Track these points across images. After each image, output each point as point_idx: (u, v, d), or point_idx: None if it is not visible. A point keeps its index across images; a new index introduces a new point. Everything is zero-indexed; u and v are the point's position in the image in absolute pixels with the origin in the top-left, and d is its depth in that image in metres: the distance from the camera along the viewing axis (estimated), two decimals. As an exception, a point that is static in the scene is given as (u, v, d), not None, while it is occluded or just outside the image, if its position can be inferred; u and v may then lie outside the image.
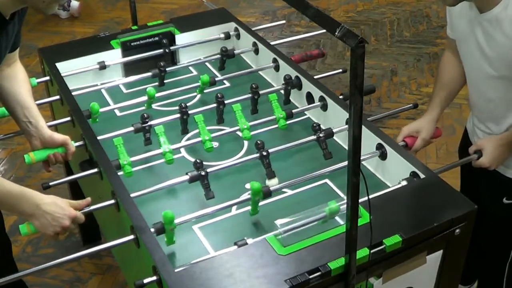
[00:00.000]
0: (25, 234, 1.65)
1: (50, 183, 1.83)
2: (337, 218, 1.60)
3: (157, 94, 2.22)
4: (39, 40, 4.54)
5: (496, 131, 1.92)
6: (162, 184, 1.83)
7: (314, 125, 2.00)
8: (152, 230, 1.60)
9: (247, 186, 1.91)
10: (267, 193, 1.73)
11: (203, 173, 1.81)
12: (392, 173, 1.87)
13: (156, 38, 2.53)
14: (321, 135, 1.97)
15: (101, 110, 2.14)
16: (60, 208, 1.63)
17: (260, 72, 2.49)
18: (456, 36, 1.95)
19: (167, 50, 2.51)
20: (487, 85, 1.86)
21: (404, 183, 1.77)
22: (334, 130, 2.02)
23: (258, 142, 1.90)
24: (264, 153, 1.88)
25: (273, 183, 1.85)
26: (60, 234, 1.66)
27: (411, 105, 2.29)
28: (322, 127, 2.00)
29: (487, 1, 1.72)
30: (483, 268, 2.25)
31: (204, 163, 1.97)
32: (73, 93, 2.21)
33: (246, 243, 1.56)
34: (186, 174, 1.81)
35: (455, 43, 1.98)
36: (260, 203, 1.80)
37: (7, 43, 1.71)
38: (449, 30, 2.01)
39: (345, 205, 1.54)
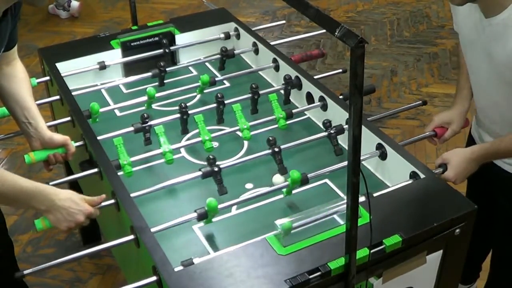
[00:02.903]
0: (41, 229, 1.66)
1: (50, 183, 1.83)
2: (337, 218, 1.60)
3: (157, 94, 2.22)
4: (39, 40, 4.55)
5: (501, 135, 1.91)
6: (162, 184, 1.83)
7: (325, 121, 2.02)
8: (195, 215, 1.65)
9: (247, 186, 1.91)
10: (305, 180, 1.77)
11: (216, 169, 1.83)
12: (392, 173, 1.87)
13: (156, 38, 2.53)
14: (332, 131, 1.99)
15: (101, 110, 2.14)
16: (75, 203, 1.64)
17: (260, 72, 2.49)
18: (460, 39, 1.93)
19: (167, 50, 2.51)
20: (494, 89, 1.84)
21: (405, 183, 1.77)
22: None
23: (270, 138, 1.92)
24: (276, 149, 1.90)
25: (279, 181, 1.86)
26: (73, 229, 1.66)
27: (420, 102, 2.27)
28: (333, 123, 2.02)
29: (493, 6, 1.68)
30: (496, 265, 2.25)
31: (204, 163, 1.98)
32: (73, 93, 2.21)
33: (193, 263, 1.53)
34: (199, 170, 1.82)
35: None
36: (260, 203, 1.81)
37: (1, 41, 1.71)
38: (455, 26, 2.00)
39: (338, 207, 1.56)
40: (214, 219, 1.77)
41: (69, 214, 1.62)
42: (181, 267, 1.50)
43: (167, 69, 2.41)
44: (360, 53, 1.13)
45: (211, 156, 1.84)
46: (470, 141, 2.11)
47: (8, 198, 1.61)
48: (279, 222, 1.55)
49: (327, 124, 2.02)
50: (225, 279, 1.46)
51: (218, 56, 2.54)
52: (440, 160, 1.88)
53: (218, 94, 2.15)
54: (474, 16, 1.78)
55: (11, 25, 1.73)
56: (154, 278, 1.50)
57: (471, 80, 1.97)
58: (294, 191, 1.87)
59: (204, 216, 1.67)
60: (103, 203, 1.75)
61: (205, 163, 1.85)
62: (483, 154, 1.84)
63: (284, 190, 1.80)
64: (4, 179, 1.59)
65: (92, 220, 1.70)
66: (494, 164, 1.95)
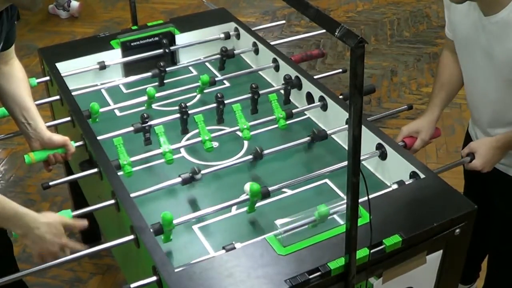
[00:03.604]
0: (17, 237, 1.64)
1: (50, 183, 1.83)
2: (337, 218, 1.60)
3: (157, 94, 2.22)
4: (39, 40, 4.55)
5: (497, 133, 1.91)
6: (162, 184, 1.83)
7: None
8: (151, 230, 1.60)
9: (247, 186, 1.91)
10: (266, 194, 1.73)
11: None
12: (392, 173, 1.87)
13: (156, 38, 2.53)
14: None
15: (101, 110, 2.14)
16: (52, 234, 1.61)
17: (260, 72, 2.49)
18: (456, 38, 1.93)
19: (167, 50, 2.51)
20: (491, 88, 1.84)
21: (395, 186, 1.77)
22: (334, 130, 2.03)
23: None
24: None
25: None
26: (47, 259, 1.63)
27: (405, 106, 2.27)
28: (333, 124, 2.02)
29: (493, 4, 1.69)
30: (492, 266, 2.25)
31: (204, 163, 1.98)
32: (73, 93, 2.21)
33: (234, 247, 1.56)
34: (179, 176, 1.80)
35: (453, 44, 1.97)
36: (260, 203, 1.80)
37: None
38: (448, 31, 2.00)
39: (339, 207, 1.56)
40: (214, 219, 1.78)
41: (43, 242, 1.59)
42: (181, 268, 1.50)
43: (167, 69, 2.41)
44: (360, 53, 1.13)
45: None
46: (468, 140, 2.11)
47: None
48: (279, 222, 1.55)
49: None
50: (225, 279, 1.46)
51: (218, 56, 2.54)
52: (467, 150, 1.90)
53: (218, 94, 2.15)
54: (473, 15, 1.78)
55: (7, 26, 1.72)
56: (154, 278, 1.50)
57: (465, 80, 1.96)
58: (294, 191, 1.87)
59: (160, 231, 1.61)
60: (104, 204, 1.75)
61: (206, 162, 1.85)
62: (507, 142, 1.86)
63: (247, 208, 1.76)
64: None
65: (92, 220, 1.70)
66: None
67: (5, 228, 1.62)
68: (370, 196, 1.45)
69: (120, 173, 1.86)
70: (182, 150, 2.07)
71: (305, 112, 2.23)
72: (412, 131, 2.01)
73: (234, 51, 2.53)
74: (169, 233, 1.64)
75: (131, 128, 2.04)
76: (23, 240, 1.62)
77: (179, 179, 1.83)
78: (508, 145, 1.86)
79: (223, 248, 1.57)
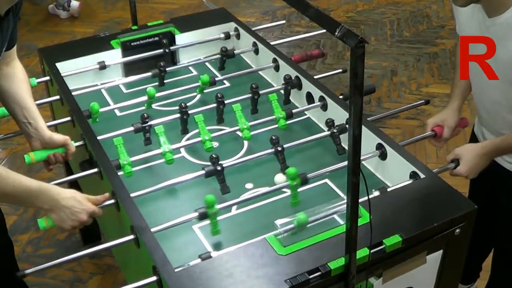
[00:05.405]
0: (44, 228, 1.66)
1: (51, 183, 1.83)
2: (337, 218, 1.60)
3: (157, 94, 2.22)
4: (39, 40, 4.54)
5: (505, 133, 1.91)
6: (162, 184, 1.83)
7: (328, 120, 2.03)
8: (196, 214, 1.64)
9: (247, 186, 1.91)
10: (304, 180, 1.76)
11: (219, 168, 1.83)
12: (392, 173, 1.87)
13: (156, 38, 2.53)
14: (334, 130, 2.00)
15: (101, 110, 2.14)
16: (78, 202, 1.64)
17: (260, 72, 2.49)
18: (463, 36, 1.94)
19: (167, 50, 2.51)
20: (496, 89, 1.84)
21: (410, 181, 1.77)
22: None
23: (273, 137, 1.92)
24: (279, 148, 1.91)
25: (281, 180, 1.86)
26: (77, 228, 1.67)
27: (423, 101, 2.27)
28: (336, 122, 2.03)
29: (497, 6, 1.69)
30: (497, 264, 2.25)
31: (204, 163, 1.98)
32: (73, 93, 2.21)
33: (210, 256, 1.55)
34: (203, 169, 1.83)
35: None
36: (260, 203, 1.80)
37: (2, 41, 1.71)
38: (458, 27, 2.00)
39: (338, 207, 1.56)
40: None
41: (72, 213, 1.63)
42: (181, 268, 1.50)
43: (167, 69, 2.41)
44: (360, 53, 1.13)
45: (213, 155, 1.84)
46: (473, 140, 2.11)
47: (13, 197, 1.61)
48: (279, 222, 1.55)
49: (330, 123, 2.02)
50: (225, 279, 1.46)
51: (218, 56, 2.54)
52: (452, 156, 1.88)
53: (218, 94, 2.15)
54: (478, 16, 1.78)
55: (12, 24, 1.73)
56: (154, 278, 1.50)
57: (472, 81, 1.97)
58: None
59: (205, 215, 1.66)
60: (104, 203, 1.75)
61: (206, 162, 1.86)
62: (494, 149, 1.85)
63: (291, 199, 1.78)
64: (8, 178, 1.59)
65: (92, 220, 1.70)
66: (494, 162, 1.95)
67: (34, 207, 1.64)
68: (370, 196, 1.45)
69: (120, 173, 1.86)
70: (182, 150, 2.07)
71: (305, 112, 2.23)
72: (437, 122, 2.01)
73: (234, 51, 2.54)
74: (215, 219, 1.66)
75: (131, 128, 2.04)
76: (51, 216, 1.63)
77: (180, 179, 1.83)
78: (495, 152, 1.85)
79: (199, 257, 1.55)
